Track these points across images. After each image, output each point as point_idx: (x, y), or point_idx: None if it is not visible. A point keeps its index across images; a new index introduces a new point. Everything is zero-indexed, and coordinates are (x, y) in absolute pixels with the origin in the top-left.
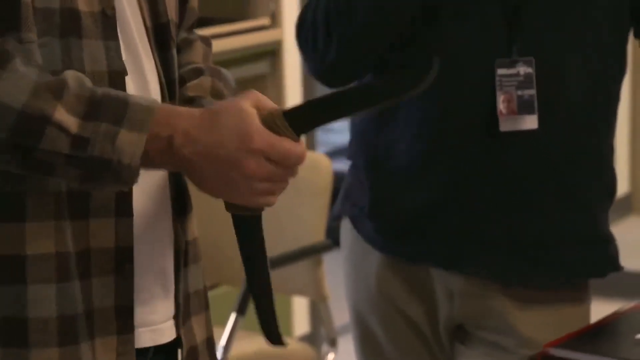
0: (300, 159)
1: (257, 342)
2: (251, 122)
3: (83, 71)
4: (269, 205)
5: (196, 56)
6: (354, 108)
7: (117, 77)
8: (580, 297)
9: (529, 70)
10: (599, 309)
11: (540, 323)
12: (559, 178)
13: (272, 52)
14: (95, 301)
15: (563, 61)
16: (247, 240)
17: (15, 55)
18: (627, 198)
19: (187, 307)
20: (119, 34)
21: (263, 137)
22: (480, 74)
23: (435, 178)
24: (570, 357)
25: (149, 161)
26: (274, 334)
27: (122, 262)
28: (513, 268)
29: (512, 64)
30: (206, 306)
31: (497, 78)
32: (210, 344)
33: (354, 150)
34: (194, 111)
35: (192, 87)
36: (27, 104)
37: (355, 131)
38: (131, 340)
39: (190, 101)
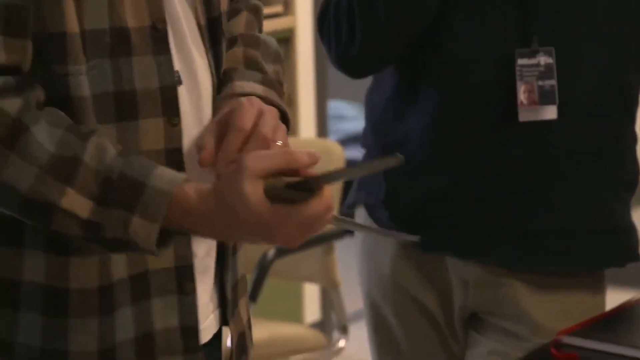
0: (322, 216)
1: (269, 329)
2: (264, 215)
3: (134, 90)
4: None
5: (237, 26)
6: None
7: (168, 91)
8: (595, 285)
9: (550, 60)
10: (613, 298)
11: (554, 311)
12: (574, 168)
13: (286, 40)
14: (156, 322)
15: (581, 51)
16: None
17: (32, 124)
18: None
19: (235, 295)
20: (172, 44)
21: (285, 227)
22: (497, 64)
23: (449, 167)
24: (584, 345)
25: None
26: None
27: (183, 280)
28: (527, 256)
29: (532, 54)
30: (246, 288)
31: (518, 68)
32: (250, 323)
33: (368, 138)
34: (208, 203)
35: (225, 59)
36: (31, 191)
37: (370, 120)
38: (199, 359)
39: (222, 73)
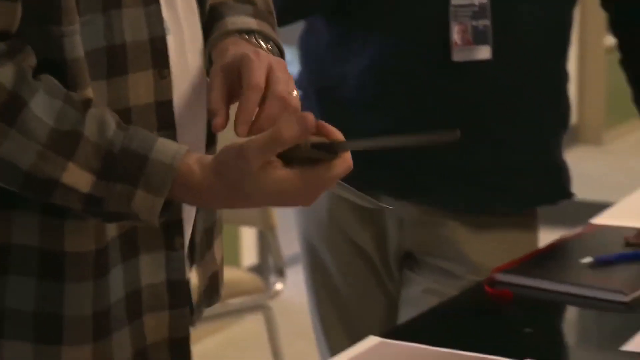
0: (340, 177)
1: None
2: (276, 183)
3: (124, 44)
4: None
5: None
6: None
7: (158, 42)
8: (529, 223)
9: (484, 0)
10: (544, 237)
11: (489, 249)
12: (512, 107)
13: None
14: (143, 279)
15: None
16: None
17: (29, 98)
18: (574, 129)
19: (209, 238)
20: None
21: (303, 191)
22: (434, 4)
23: (388, 108)
24: (518, 282)
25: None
26: None
27: (172, 236)
28: (465, 195)
29: None
30: (221, 229)
31: (452, 8)
32: (221, 262)
33: (304, 80)
34: (212, 179)
35: None
36: (33, 167)
37: (304, 63)
38: (185, 315)
39: (210, 12)
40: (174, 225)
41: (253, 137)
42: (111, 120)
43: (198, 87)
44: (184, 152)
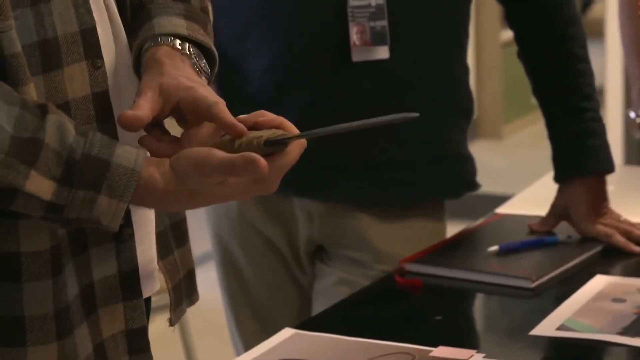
0: (292, 162)
1: None
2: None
3: (56, 37)
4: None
5: None
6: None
7: (89, 33)
8: (435, 214)
9: (380, 1)
10: (452, 228)
11: (396, 238)
12: (410, 102)
13: None
14: (95, 273)
15: None
16: None
17: None
18: (473, 123)
19: (175, 237)
20: None
21: (264, 183)
22: (331, 5)
23: (289, 106)
24: (426, 271)
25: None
26: None
27: (120, 227)
28: (366, 190)
29: None
30: (187, 233)
31: (350, 9)
32: (192, 275)
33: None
34: (174, 186)
35: None
36: None
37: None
38: (140, 305)
39: (137, 10)
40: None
41: (210, 150)
42: (70, 126)
43: (132, 77)
44: (143, 156)
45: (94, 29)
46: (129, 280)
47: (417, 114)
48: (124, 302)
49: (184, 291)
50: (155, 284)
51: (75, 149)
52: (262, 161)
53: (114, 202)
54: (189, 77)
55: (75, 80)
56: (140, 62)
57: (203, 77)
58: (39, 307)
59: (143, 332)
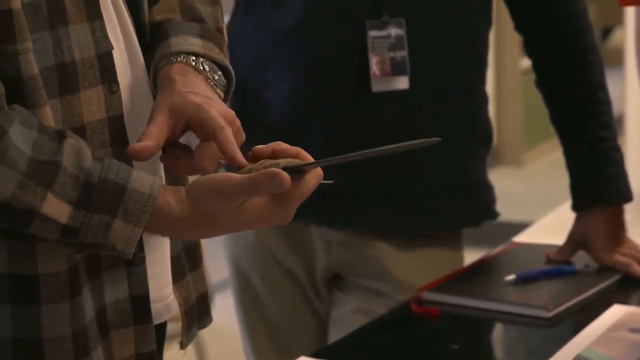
0: (309, 191)
1: None
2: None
3: (74, 61)
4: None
5: None
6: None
7: (105, 58)
8: (453, 242)
9: (400, 32)
10: (467, 256)
11: (415, 268)
12: (429, 131)
13: None
14: (107, 296)
15: (431, 21)
16: None
17: (8, 127)
18: (493, 150)
19: (185, 261)
20: (101, 8)
21: (280, 212)
22: (350, 35)
23: (308, 136)
24: (444, 300)
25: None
26: None
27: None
28: (386, 219)
29: (383, 26)
30: (201, 257)
31: (370, 40)
32: (205, 298)
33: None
34: (190, 212)
35: (158, 10)
36: (12, 197)
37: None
38: (150, 330)
39: (156, 28)
40: None
41: (227, 174)
42: (88, 151)
43: (146, 102)
44: (160, 183)
45: (110, 54)
46: (140, 304)
47: (439, 139)
48: (134, 327)
49: (196, 315)
50: (170, 309)
51: (92, 173)
52: (285, 174)
53: (129, 227)
54: (200, 92)
55: (92, 104)
56: (155, 82)
57: (218, 90)
58: (57, 329)
59: (152, 356)
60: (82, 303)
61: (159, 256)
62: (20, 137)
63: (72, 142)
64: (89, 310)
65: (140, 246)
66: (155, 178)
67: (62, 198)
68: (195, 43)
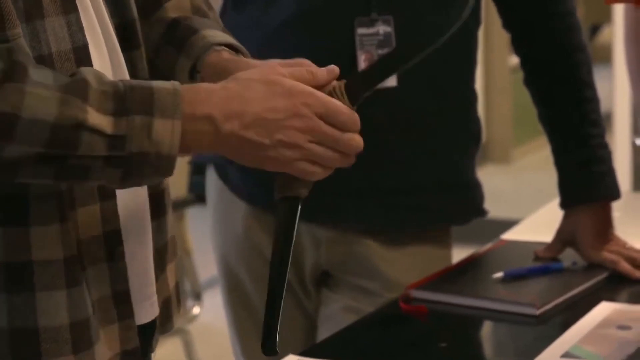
0: (355, 124)
1: None
2: (297, 84)
3: (51, 54)
4: (315, 176)
5: None
6: (399, 65)
7: (81, 51)
8: (442, 240)
9: (388, 29)
10: (456, 253)
11: (403, 265)
12: (419, 129)
13: None
14: (92, 294)
15: (420, 18)
16: (280, 227)
17: (28, 63)
18: (483, 147)
19: (161, 259)
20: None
21: (317, 95)
22: (339, 33)
23: None
24: (432, 298)
25: (186, 148)
26: (269, 343)
27: (112, 247)
28: (375, 216)
29: (371, 23)
30: (175, 251)
31: (358, 37)
32: (177, 289)
33: None
34: (221, 85)
35: (172, 8)
36: (59, 115)
37: None
38: (132, 326)
39: (174, 24)
40: (113, 236)
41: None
42: (103, 73)
43: None
44: (179, 84)
45: (86, 47)
46: (122, 300)
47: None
48: (119, 323)
49: (161, 319)
50: (155, 309)
51: (116, 84)
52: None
53: (169, 122)
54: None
55: None
56: (193, 71)
57: None
58: (53, 317)
59: (136, 353)
60: (82, 293)
61: (141, 253)
62: (40, 73)
63: (85, 67)
64: (89, 304)
65: (119, 241)
66: (173, 82)
67: (101, 111)
68: (227, 36)
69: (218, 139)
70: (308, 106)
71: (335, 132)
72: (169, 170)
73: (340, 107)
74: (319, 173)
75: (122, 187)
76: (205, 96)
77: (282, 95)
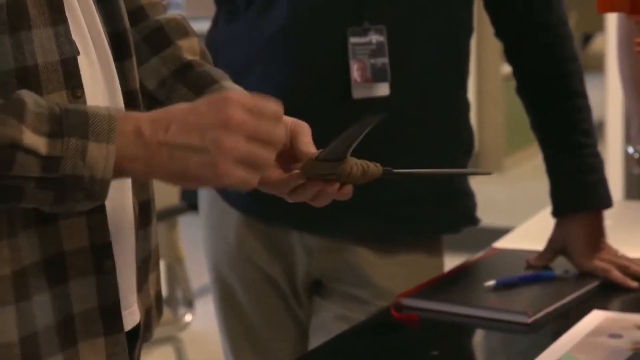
0: (277, 112)
1: None
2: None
3: (36, 65)
4: (248, 184)
5: (157, 10)
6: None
7: (69, 63)
8: (434, 248)
9: (381, 38)
10: (448, 261)
11: (395, 274)
12: (411, 139)
13: None
14: (75, 305)
15: (412, 28)
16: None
17: None
18: (475, 156)
19: (145, 269)
20: (67, 14)
21: (239, 94)
22: (332, 42)
23: None
24: (423, 306)
25: (121, 171)
26: None
27: (101, 259)
28: (368, 226)
29: (364, 33)
30: (158, 261)
31: (350, 47)
32: (158, 297)
33: None
34: (159, 111)
35: (186, 49)
36: None
37: None
38: (121, 340)
39: (188, 66)
40: (102, 248)
41: None
42: (37, 95)
43: (114, 105)
44: (115, 109)
45: (74, 59)
46: (110, 314)
47: (490, 172)
48: (105, 337)
49: (144, 322)
50: (134, 318)
51: (52, 107)
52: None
53: (103, 146)
54: None
55: None
56: None
57: None
58: (3, 333)
59: None
60: (31, 309)
61: (125, 263)
62: None
63: (22, 90)
64: (43, 318)
65: (109, 253)
66: (108, 107)
67: (36, 132)
68: (241, 88)
69: (149, 152)
70: (233, 104)
71: (270, 123)
72: (101, 195)
73: (263, 99)
74: (254, 179)
75: (52, 211)
76: (136, 116)
77: (206, 101)
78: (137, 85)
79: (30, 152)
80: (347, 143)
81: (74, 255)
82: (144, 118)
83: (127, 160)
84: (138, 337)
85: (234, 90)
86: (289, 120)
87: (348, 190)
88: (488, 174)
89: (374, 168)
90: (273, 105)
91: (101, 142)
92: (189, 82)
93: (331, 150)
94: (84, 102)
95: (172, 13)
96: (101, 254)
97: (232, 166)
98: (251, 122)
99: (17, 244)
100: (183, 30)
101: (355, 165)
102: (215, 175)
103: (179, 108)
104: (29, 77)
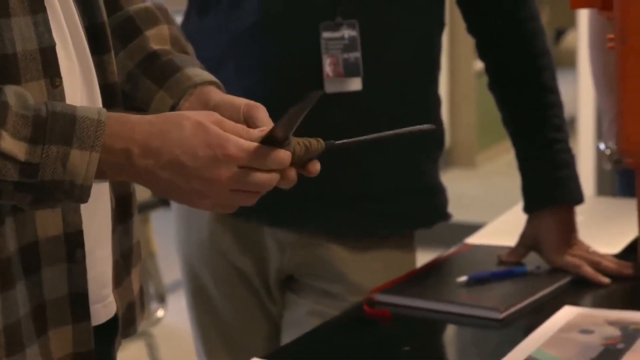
0: (282, 162)
1: None
2: (222, 134)
3: (15, 53)
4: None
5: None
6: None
7: (48, 51)
8: (406, 244)
9: (353, 33)
10: (420, 257)
11: (368, 270)
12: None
13: None
14: (47, 293)
15: (385, 22)
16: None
17: None
18: (447, 152)
19: (126, 263)
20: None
21: (240, 144)
22: (305, 37)
23: None
24: (396, 301)
25: (103, 176)
26: None
27: (73, 248)
28: (340, 221)
29: (336, 27)
30: (140, 256)
31: (323, 42)
32: (142, 293)
33: None
34: (149, 118)
35: (153, 37)
36: None
37: None
38: (88, 329)
39: (152, 56)
40: (74, 237)
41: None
42: (27, 93)
43: (92, 98)
44: (106, 111)
45: (53, 48)
46: (79, 302)
47: (433, 126)
48: (73, 325)
49: (124, 323)
50: (109, 311)
51: (39, 109)
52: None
53: (86, 154)
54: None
55: (34, 97)
56: (174, 107)
57: None
58: None
59: (90, 356)
60: (15, 297)
61: (100, 255)
62: None
63: (10, 86)
64: (23, 306)
65: (81, 242)
66: (100, 108)
67: (16, 137)
68: (208, 75)
69: (133, 171)
70: (229, 158)
71: (257, 176)
72: (82, 197)
73: (265, 150)
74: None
75: (32, 209)
76: (130, 128)
77: (205, 143)
78: (116, 79)
79: (8, 157)
80: (289, 124)
81: (48, 243)
82: (137, 140)
83: (112, 171)
84: (117, 331)
85: (230, 125)
86: (242, 102)
87: (292, 175)
88: (431, 129)
89: (316, 143)
90: (278, 156)
91: (85, 150)
92: (152, 73)
93: (274, 133)
94: (62, 91)
95: (147, 2)
96: (73, 243)
97: (210, 207)
98: (240, 178)
99: (4, 231)
100: (153, 19)
101: (298, 144)
102: (192, 203)
103: (176, 141)
104: (7, 65)
